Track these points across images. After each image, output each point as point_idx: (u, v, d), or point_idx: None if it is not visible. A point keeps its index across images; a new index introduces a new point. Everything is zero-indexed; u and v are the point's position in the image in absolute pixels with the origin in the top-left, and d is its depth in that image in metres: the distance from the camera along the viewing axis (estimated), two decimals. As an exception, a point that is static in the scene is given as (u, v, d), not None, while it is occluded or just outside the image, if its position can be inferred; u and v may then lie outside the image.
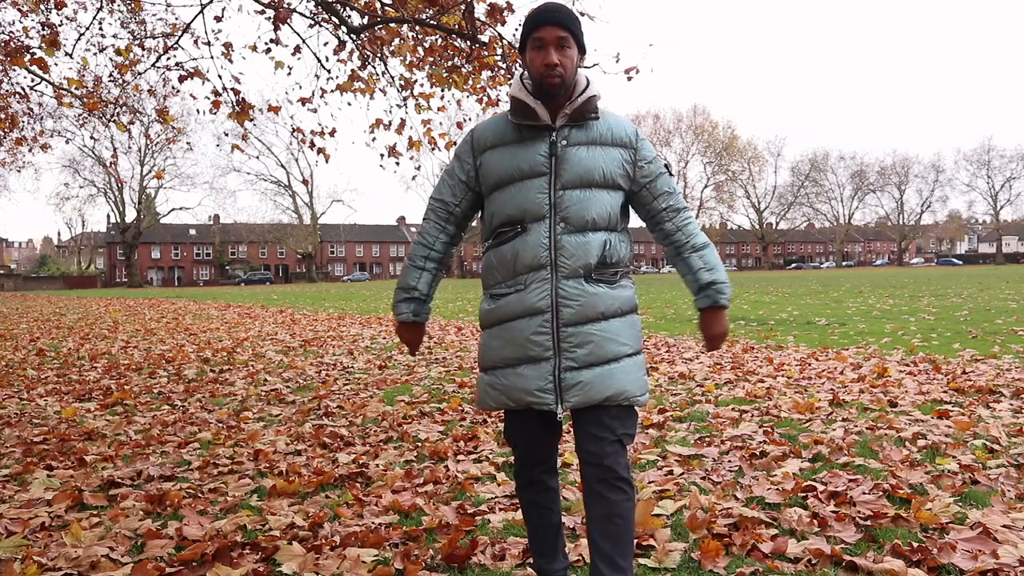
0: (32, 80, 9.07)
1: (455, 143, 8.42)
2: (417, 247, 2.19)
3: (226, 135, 8.60)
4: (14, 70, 9.12)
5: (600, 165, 2.01)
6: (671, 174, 2.14)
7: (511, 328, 2.03)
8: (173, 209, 71.94)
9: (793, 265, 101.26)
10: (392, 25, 6.97)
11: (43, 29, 7.13)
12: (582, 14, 6.50)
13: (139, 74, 8.38)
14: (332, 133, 7.71)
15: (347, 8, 7.03)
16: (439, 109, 7.82)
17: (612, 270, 2.04)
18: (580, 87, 2.04)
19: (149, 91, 9.58)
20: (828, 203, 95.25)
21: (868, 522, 2.82)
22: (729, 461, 3.72)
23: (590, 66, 6.31)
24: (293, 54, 7.17)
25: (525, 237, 2.00)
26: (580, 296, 1.98)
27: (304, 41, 7.22)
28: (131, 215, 68.12)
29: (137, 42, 8.44)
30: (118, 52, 7.72)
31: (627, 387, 2.01)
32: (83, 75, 9.35)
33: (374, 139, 9.68)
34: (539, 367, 2.00)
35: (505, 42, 6.83)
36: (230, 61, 7.14)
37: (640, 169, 2.09)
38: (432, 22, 6.74)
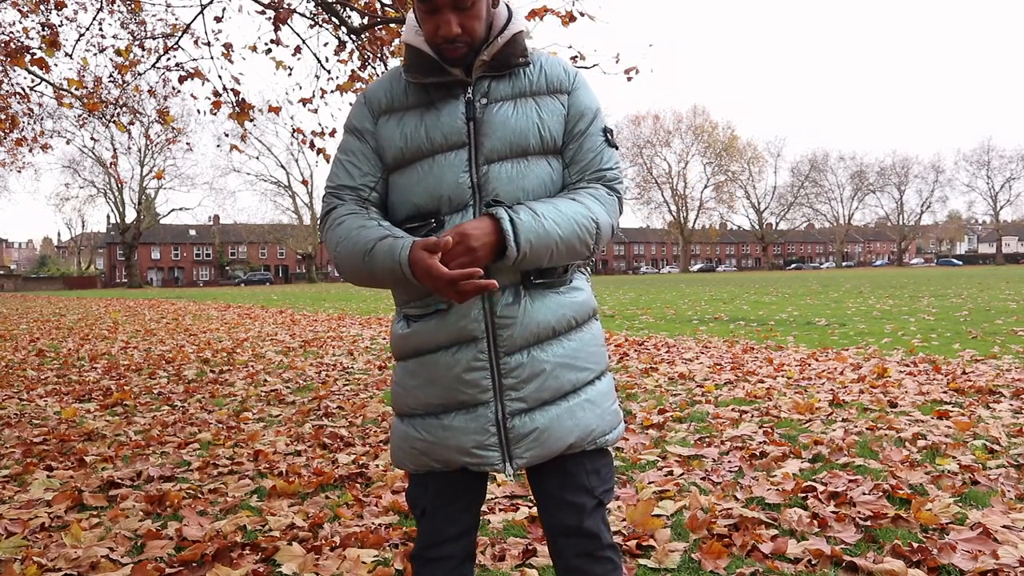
0: (32, 80, 9.08)
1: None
2: (347, 225, 1.47)
3: (226, 135, 8.60)
4: (14, 70, 9.14)
5: (535, 123, 1.46)
6: (611, 144, 1.53)
7: (433, 363, 1.48)
8: (173, 210, 72.22)
9: (793, 265, 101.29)
10: (392, 25, 6.97)
11: (43, 29, 7.15)
12: (582, 14, 6.49)
13: (139, 74, 8.39)
14: (332, 133, 7.72)
15: (347, 8, 7.04)
16: (439, 109, 7.82)
17: (560, 267, 1.49)
18: (499, 24, 1.48)
19: (149, 92, 9.58)
20: (828, 203, 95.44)
21: (868, 522, 2.82)
22: (729, 461, 3.72)
23: (590, 67, 6.26)
24: (293, 54, 7.18)
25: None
26: (519, 310, 1.44)
27: (304, 42, 7.23)
28: (131, 215, 68.28)
29: (137, 42, 8.44)
30: (118, 52, 7.73)
31: (594, 425, 1.51)
32: (83, 75, 9.35)
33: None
34: (475, 415, 1.46)
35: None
36: (230, 61, 7.15)
37: (568, 122, 1.50)
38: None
